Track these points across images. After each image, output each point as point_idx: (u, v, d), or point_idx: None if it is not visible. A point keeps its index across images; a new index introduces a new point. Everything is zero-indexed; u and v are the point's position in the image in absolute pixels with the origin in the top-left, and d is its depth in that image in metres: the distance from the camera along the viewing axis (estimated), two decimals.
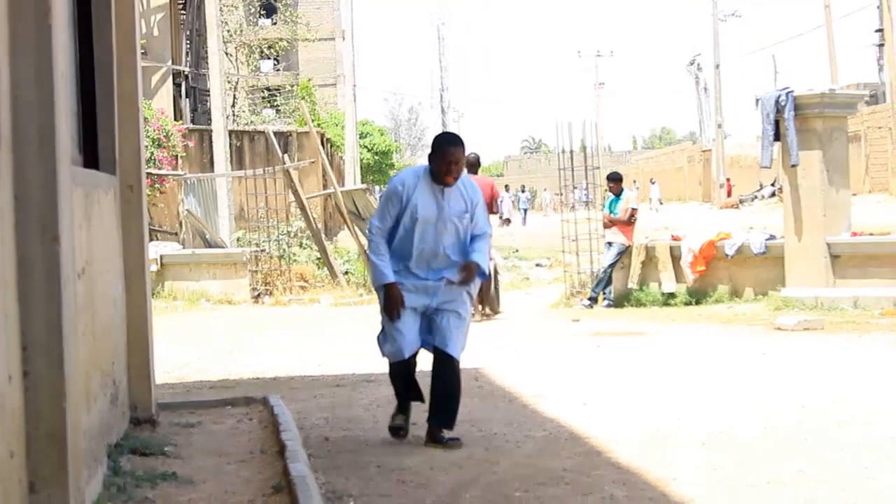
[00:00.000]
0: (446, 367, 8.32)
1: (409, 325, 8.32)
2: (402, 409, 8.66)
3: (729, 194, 63.29)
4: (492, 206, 18.46)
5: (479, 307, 17.43)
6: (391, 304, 8.30)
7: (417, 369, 8.60)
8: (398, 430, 8.59)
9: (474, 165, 18.94)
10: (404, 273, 8.32)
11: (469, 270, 8.36)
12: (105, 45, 8.12)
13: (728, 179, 65.02)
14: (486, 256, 8.49)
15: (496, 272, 18.90)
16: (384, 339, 8.49)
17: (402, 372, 8.53)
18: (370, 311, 19.98)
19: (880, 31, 57.75)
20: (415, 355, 8.48)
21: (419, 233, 8.24)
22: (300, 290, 23.00)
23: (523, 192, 73.77)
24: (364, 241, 23.64)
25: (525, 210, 67.09)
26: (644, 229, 23.39)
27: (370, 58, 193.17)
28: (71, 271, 5.18)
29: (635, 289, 18.91)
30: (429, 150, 8.30)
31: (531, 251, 32.19)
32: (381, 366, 11.95)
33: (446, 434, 8.28)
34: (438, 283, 8.32)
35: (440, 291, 8.34)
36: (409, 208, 8.20)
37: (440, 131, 8.92)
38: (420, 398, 8.58)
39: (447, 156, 8.15)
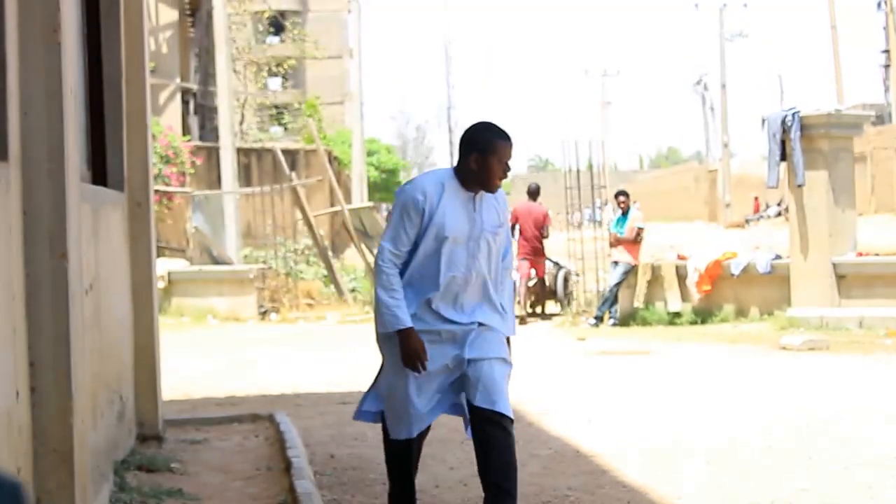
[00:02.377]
0: (499, 428, 6.10)
1: (423, 391, 6.20)
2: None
3: (756, 210, 63.35)
4: (542, 231, 19.91)
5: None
6: (410, 355, 6.06)
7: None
8: None
9: (535, 194, 20.08)
10: (424, 313, 6.17)
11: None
12: (114, 62, 8.16)
13: (756, 197, 65.06)
14: (514, 319, 6.57)
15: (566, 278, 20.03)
16: (375, 402, 6.45)
17: (404, 455, 6.46)
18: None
19: (886, 52, 57.75)
20: (426, 431, 6.43)
21: (446, 257, 6.13)
22: (307, 307, 23.03)
23: None
24: (371, 258, 23.73)
25: None
26: (650, 248, 23.40)
27: (378, 76, 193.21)
28: (79, 287, 5.21)
29: (641, 308, 18.93)
30: (464, 147, 6.20)
31: None
32: None
33: None
34: (471, 326, 6.19)
35: (473, 337, 6.17)
36: (432, 226, 6.09)
37: (478, 121, 6.21)
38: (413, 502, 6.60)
39: (503, 154, 6.14)
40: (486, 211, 6.24)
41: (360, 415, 6.53)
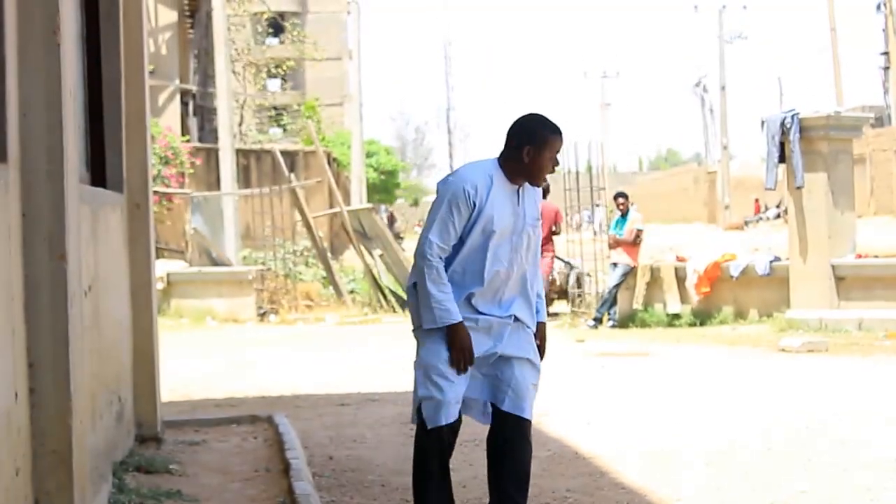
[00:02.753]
0: (522, 436, 6.00)
1: (459, 378, 5.96)
2: None
3: (756, 212, 63.44)
4: (555, 228, 19.88)
5: None
6: (460, 351, 5.90)
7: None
8: None
9: (546, 192, 20.00)
10: (462, 307, 5.98)
11: (538, 335, 6.29)
12: (113, 63, 8.16)
13: (757, 199, 65.14)
14: (544, 303, 6.42)
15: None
16: (423, 391, 5.99)
17: (439, 448, 6.03)
18: (375, 330, 20.07)
19: (886, 54, 57.78)
20: (459, 424, 6.09)
21: (492, 251, 5.97)
22: (306, 308, 23.05)
23: None
24: (370, 259, 23.75)
25: None
26: (649, 250, 23.42)
27: (377, 77, 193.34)
28: (78, 289, 5.21)
29: (640, 309, 18.93)
30: (516, 138, 6.00)
31: None
32: (385, 385, 12.04)
33: None
34: (507, 320, 6.05)
35: (508, 332, 6.06)
36: (482, 219, 5.92)
37: (528, 112, 6.32)
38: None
39: (556, 147, 6.02)
40: (528, 204, 6.11)
41: (414, 420, 6.15)
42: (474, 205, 5.89)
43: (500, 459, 5.99)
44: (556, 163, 6.04)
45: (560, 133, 6.03)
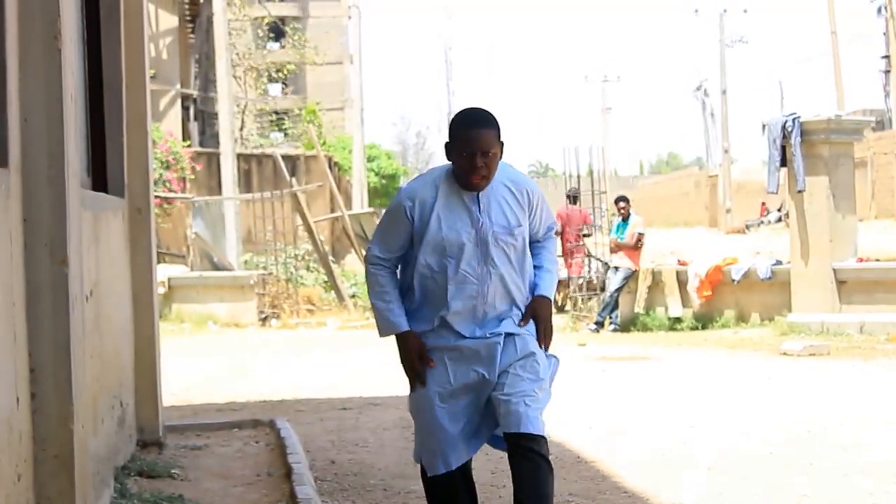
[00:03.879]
0: (532, 454, 5.35)
1: (454, 414, 5.45)
2: None
3: (763, 214, 63.43)
4: (583, 230, 19.76)
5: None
6: (409, 359, 5.51)
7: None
8: None
9: (574, 199, 20.09)
10: (441, 330, 5.48)
11: (539, 314, 5.68)
12: (114, 68, 8.16)
13: (763, 203, 65.15)
14: (555, 280, 5.82)
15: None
16: (417, 438, 5.66)
17: (446, 491, 5.63)
18: (376, 335, 19.93)
19: (887, 57, 57.77)
20: (469, 467, 5.71)
21: (453, 268, 5.40)
22: (307, 313, 23.04)
23: None
24: None
25: None
26: (650, 254, 23.40)
27: (378, 82, 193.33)
28: (79, 293, 5.21)
29: (641, 313, 18.94)
30: (446, 139, 5.48)
31: None
32: (387, 389, 12.03)
33: None
34: (496, 339, 5.45)
35: (499, 353, 5.44)
36: (428, 234, 5.40)
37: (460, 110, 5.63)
38: None
39: (469, 143, 5.30)
40: (494, 208, 5.43)
41: (416, 455, 5.72)
42: (413, 219, 5.40)
43: (517, 482, 5.38)
44: (481, 162, 5.28)
45: (477, 125, 5.33)
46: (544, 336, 5.69)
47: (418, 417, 5.55)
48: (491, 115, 5.43)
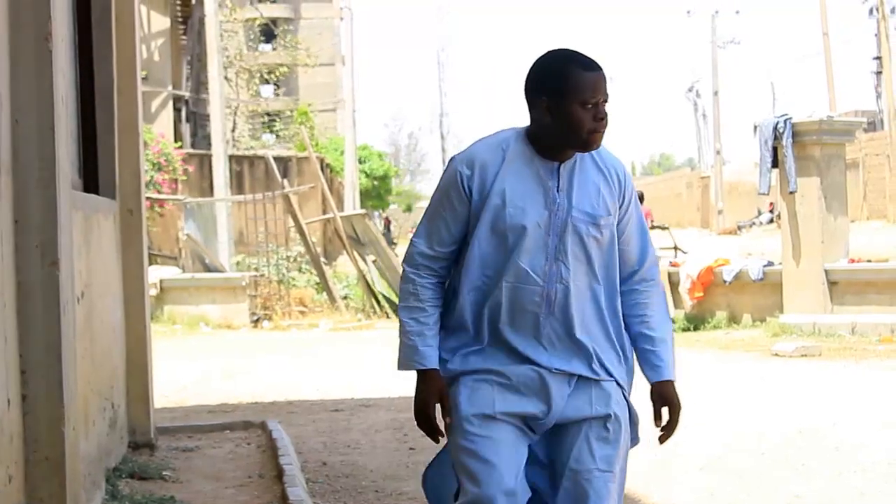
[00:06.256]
0: None
1: (504, 448, 4.04)
2: None
3: (770, 210, 63.54)
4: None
5: None
6: (428, 403, 4.10)
7: None
8: None
9: (640, 199, 19.58)
10: (491, 350, 4.10)
11: (670, 400, 4.80)
12: (106, 69, 8.16)
13: (772, 203, 65.25)
14: (672, 343, 4.58)
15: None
16: (441, 471, 4.31)
17: None
18: (368, 336, 20.07)
19: (878, 58, 57.89)
20: None
21: (515, 256, 4.01)
22: (299, 314, 23.02)
23: None
24: (363, 265, 23.71)
25: None
26: None
27: (370, 83, 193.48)
28: (70, 295, 5.20)
29: None
30: (530, 92, 4.03)
31: None
32: (379, 390, 12.02)
33: None
34: (560, 373, 4.12)
35: (566, 391, 4.16)
36: (486, 210, 3.99)
37: (549, 50, 4.02)
38: None
39: (588, 89, 3.93)
40: (579, 189, 4.05)
41: (425, 480, 4.43)
42: (471, 192, 4.00)
43: None
44: (601, 115, 3.95)
45: (595, 68, 3.95)
46: (673, 425, 4.71)
47: (458, 455, 4.11)
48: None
